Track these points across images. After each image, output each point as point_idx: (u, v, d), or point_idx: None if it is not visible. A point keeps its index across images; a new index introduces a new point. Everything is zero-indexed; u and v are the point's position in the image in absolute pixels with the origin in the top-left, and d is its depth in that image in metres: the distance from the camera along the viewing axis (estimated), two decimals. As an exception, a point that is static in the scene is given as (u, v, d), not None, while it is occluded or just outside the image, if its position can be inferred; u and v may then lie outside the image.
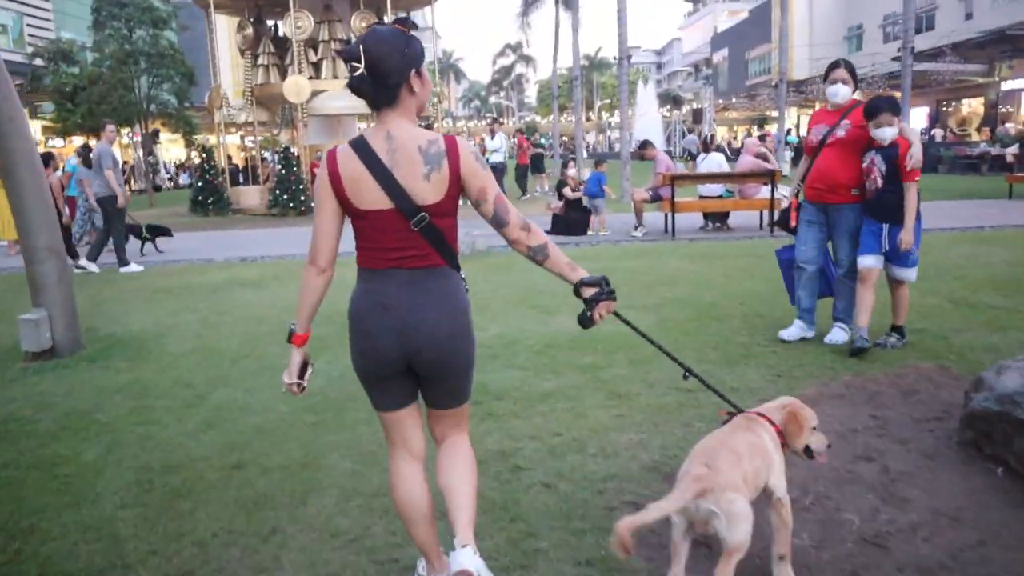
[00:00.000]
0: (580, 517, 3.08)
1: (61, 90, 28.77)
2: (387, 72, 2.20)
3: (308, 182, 20.09)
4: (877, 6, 42.78)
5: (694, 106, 55.67)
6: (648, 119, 37.94)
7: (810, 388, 4.48)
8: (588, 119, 63.62)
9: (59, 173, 12.06)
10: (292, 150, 20.28)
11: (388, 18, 20.89)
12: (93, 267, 10.97)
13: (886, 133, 4.85)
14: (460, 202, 2.36)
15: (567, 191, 12.73)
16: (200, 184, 21.11)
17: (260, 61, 21.52)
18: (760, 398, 4.12)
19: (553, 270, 2.38)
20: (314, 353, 5.80)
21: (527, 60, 74.15)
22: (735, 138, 52.18)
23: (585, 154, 30.25)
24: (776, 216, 5.89)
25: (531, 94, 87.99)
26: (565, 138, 49.76)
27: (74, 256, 11.21)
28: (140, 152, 32.18)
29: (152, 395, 4.95)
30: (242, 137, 37.83)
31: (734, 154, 26.31)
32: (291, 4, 19.25)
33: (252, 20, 21.66)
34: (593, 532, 2.94)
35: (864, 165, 5.05)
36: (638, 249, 10.64)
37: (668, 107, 59.25)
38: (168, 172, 41.83)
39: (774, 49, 50.95)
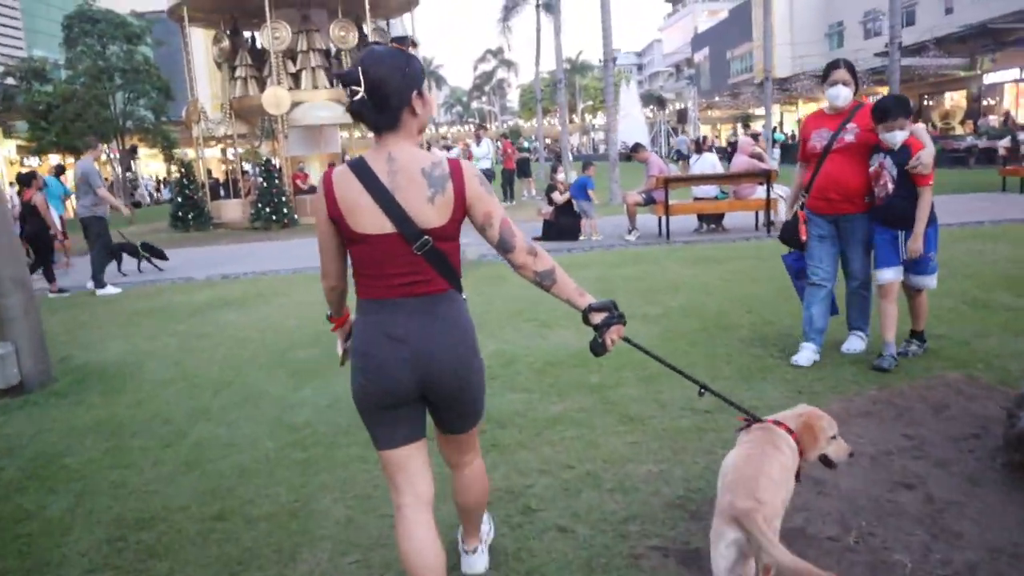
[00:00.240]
0: (603, 568, 2.76)
1: (34, 108, 28.23)
2: (388, 94, 2.14)
3: (290, 194, 19.72)
4: (857, 3, 42.85)
5: (677, 106, 55.53)
6: (632, 120, 37.75)
7: (835, 405, 4.17)
8: (572, 121, 63.42)
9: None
10: (273, 162, 19.88)
11: (368, 27, 20.56)
12: (110, 290, 10.56)
13: (897, 137, 4.53)
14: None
15: (556, 195, 12.43)
16: (180, 199, 20.68)
17: (238, 73, 21.14)
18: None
19: (560, 296, 2.33)
20: (301, 378, 5.54)
21: (508, 65, 73.82)
22: (718, 136, 52.11)
23: (571, 157, 29.95)
24: (779, 230, 5.36)
25: (513, 98, 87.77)
26: (549, 141, 49.53)
27: (51, 279, 10.84)
28: (119, 168, 31.63)
29: (127, 433, 4.60)
30: (223, 150, 37.38)
31: (720, 153, 26.06)
32: (268, 15, 18.89)
33: (228, 32, 21.28)
34: (619, 586, 2.63)
35: (871, 169, 4.71)
36: (633, 254, 10.34)
37: (651, 108, 59.11)
38: (147, 188, 41.28)
39: (756, 48, 51.09)
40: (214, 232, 19.73)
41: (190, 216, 20.32)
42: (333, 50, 21.14)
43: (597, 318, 2.31)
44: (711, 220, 12.35)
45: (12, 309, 5.64)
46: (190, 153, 29.92)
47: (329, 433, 4.32)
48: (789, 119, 49.38)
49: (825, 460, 2.68)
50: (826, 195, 4.87)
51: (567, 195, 12.31)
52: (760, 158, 11.76)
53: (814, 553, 2.76)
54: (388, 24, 23.39)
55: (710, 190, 11.95)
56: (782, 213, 11.52)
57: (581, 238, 12.11)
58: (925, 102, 36.95)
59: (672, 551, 2.84)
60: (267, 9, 18.71)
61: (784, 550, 2.18)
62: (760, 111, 47.48)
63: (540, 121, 36.28)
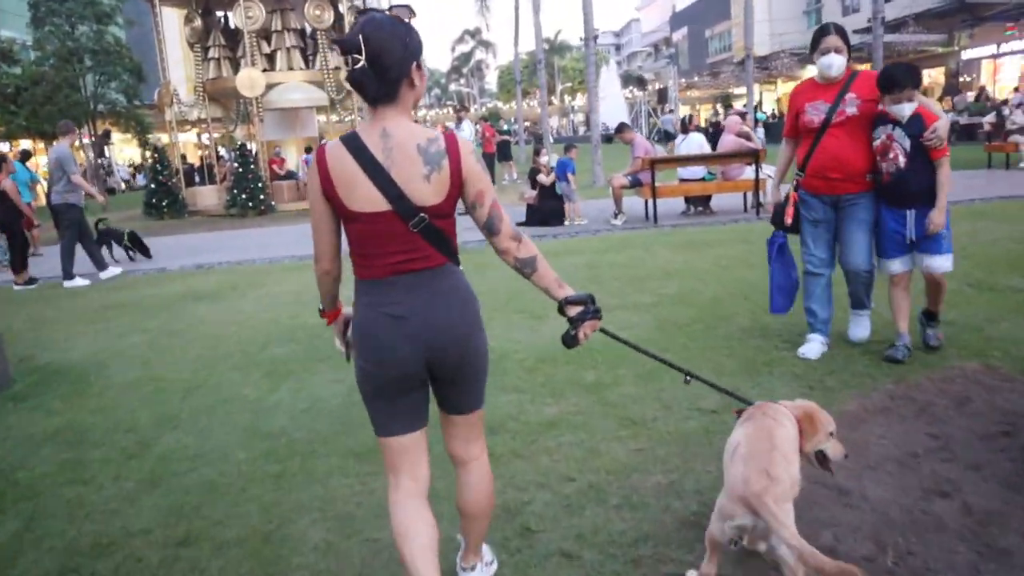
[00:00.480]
0: (615, 601, 2.47)
1: (3, 91, 27.44)
2: (389, 65, 2.06)
3: (267, 179, 19.24)
4: (836, -21, 42.60)
5: (657, 86, 55.16)
6: (612, 101, 37.42)
7: (850, 402, 3.90)
8: (551, 103, 62.92)
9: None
10: (249, 147, 19.36)
11: (344, 6, 20.04)
12: (111, 271, 10.26)
13: (906, 109, 4.17)
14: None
15: (540, 177, 12.09)
16: (153, 186, 20.15)
17: (211, 54, 20.59)
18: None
19: (539, 284, 2.33)
20: (276, 378, 5.19)
21: (486, 46, 73.14)
22: (696, 114, 51.79)
23: (551, 139, 29.60)
24: (771, 213, 4.92)
25: (491, 80, 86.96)
26: (528, 124, 49.08)
27: (17, 270, 10.38)
28: (91, 154, 30.88)
29: (87, 443, 4.25)
30: (199, 135, 36.62)
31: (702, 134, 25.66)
32: (240, -7, 18.34)
33: (200, 12, 20.66)
34: (635, 623, 2.34)
35: (877, 143, 4.31)
36: (621, 239, 10.03)
37: (631, 88, 58.71)
38: (121, 174, 40.42)
39: (735, 26, 50.74)
40: (189, 219, 19.24)
41: (164, 203, 19.82)
42: (309, 30, 20.60)
43: (573, 311, 2.31)
44: (699, 202, 12.07)
45: (-37, 309, 5.25)
46: (164, 138, 29.29)
47: (306, 441, 3.99)
48: (768, 98, 49.13)
49: (821, 458, 2.60)
50: (825, 174, 4.45)
51: (552, 176, 11.97)
52: (748, 137, 11.47)
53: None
54: (364, 3, 22.82)
55: (697, 171, 11.63)
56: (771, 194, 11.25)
57: (566, 222, 11.79)
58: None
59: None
60: (239, -13, 18.16)
61: (795, 534, 2.12)
62: (740, 90, 47.28)
63: (520, 103, 35.83)
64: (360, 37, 2.03)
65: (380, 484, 3.40)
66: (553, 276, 2.31)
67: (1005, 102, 19.26)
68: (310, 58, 20.54)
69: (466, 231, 2.31)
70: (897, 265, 4.45)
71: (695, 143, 12.00)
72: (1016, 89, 25.56)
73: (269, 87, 19.08)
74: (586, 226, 11.50)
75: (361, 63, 2.04)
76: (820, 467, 2.62)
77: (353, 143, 2.10)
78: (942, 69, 34.07)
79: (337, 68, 19.52)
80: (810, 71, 35.97)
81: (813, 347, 4.66)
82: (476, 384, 2.33)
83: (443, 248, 2.18)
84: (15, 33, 31.72)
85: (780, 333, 5.17)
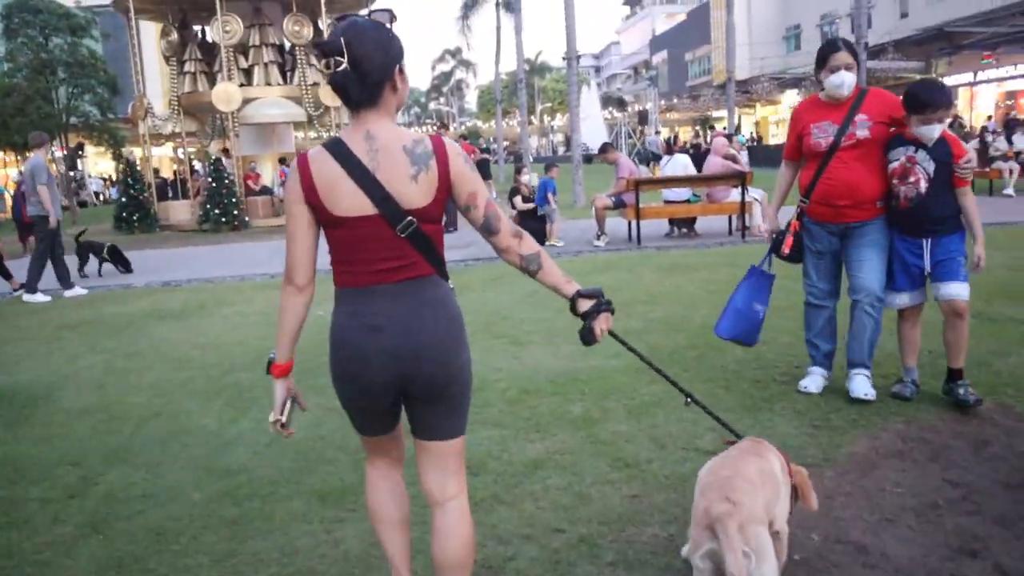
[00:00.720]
0: None
1: (-27, 102, 26.89)
2: (371, 68, 2.00)
3: (241, 195, 18.83)
4: (814, 6, 43.07)
5: (637, 108, 55.36)
6: (592, 121, 37.36)
7: (859, 443, 3.61)
8: (531, 123, 62.99)
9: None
10: (223, 161, 18.94)
11: (324, 22, 19.77)
12: (76, 291, 9.87)
13: (935, 131, 3.85)
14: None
15: (518, 200, 11.81)
16: (124, 200, 19.65)
17: (187, 68, 20.14)
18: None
19: (546, 282, 2.21)
20: (239, 407, 4.82)
21: (467, 65, 72.99)
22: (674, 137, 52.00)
23: (531, 158, 29.44)
24: (772, 243, 4.49)
25: (471, 100, 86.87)
26: (507, 143, 48.93)
27: (7, 277, 10.06)
28: (62, 167, 30.28)
29: (27, 479, 3.86)
30: (175, 149, 36.08)
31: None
32: (218, 7, 17.99)
33: (177, 25, 20.25)
34: None
35: (895, 165, 3.96)
36: (604, 260, 9.76)
37: (610, 110, 58.88)
38: (95, 186, 39.72)
39: (715, 50, 51.13)
40: (160, 234, 18.75)
41: (135, 217, 19.31)
42: (287, 45, 20.29)
43: (585, 305, 2.22)
44: (683, 224, 11.84)
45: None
46: (137, 152, 28.79)
47: (267, 480, 3.64)
48: (747, 121, 49.47)
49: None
50: (832, 201, 4.09)
51: (531, 203, 11.71)
52: (735, 160, 11.27)
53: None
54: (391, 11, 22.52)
55: (682, 193, 11.41)
56: (757, 217, 11.06)
57: (548, 243, 11.51)
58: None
59: (698, 654, 2.23)
60: (218, 1, 17.80)
61: (742, 564, 2.04)
62: (719, 113, 47.59)
63: (500, 122, 35.68)
64: (342, 40, 1.96)
65: (345, 532, 3.07)
66: (560, 272, 2.21)
67: (984, 129, 19.33)
68: (288, 74, 20.21)
69: (445, 249, 2.11)
70: (907, 299, 4.11)
71: (680, 164, 11.79)
72: (989, 117, 25.86)
73: (246, 102, 18.71)
74: (567, 247, 11.22)
75: (343, 66, 1.97)
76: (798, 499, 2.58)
77: (336, 147, 2.03)
78: (919, 96, 34.39)
79: (315, 84, 19.22)
80: (789, 96, 36.12)
81: (814, 380, 4.37)
82: (457, 407, 2.18)
83: (430, 257, 2.09)
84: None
85: (777, 364, 4.90)
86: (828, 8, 41.69)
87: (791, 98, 44.48)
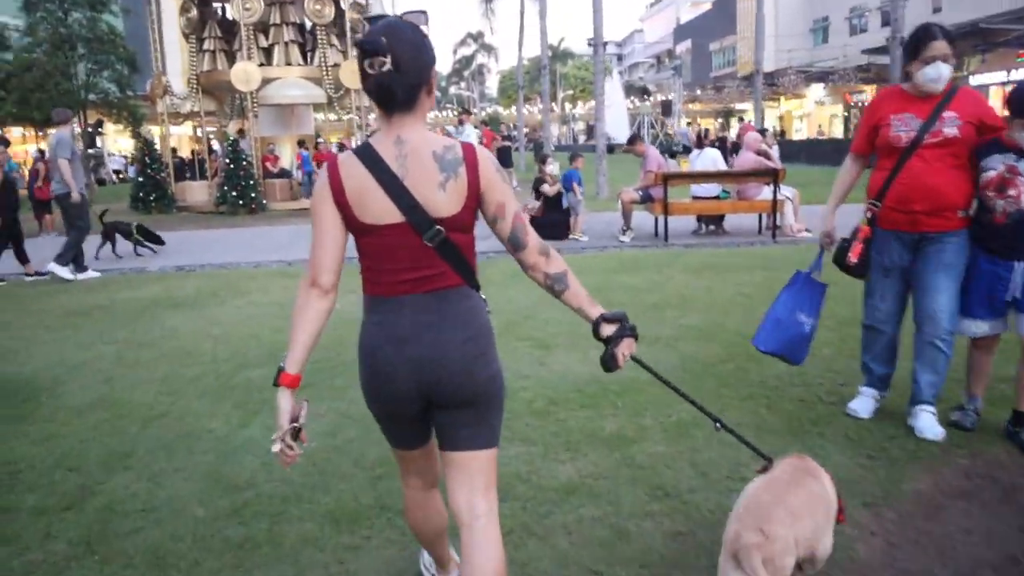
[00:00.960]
0: None
1: (-8, 76, 26.80)
2: (408, 71, 1.95)
3: (259, 176, 18.60)
4: (843, -1, 42.36)
5: (659, 97, 54.76)
6: (614, 111, 36.87)
7: (921, 478, 3.31)
8: (552, 111, 62.58)
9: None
10: (241, 143, 18.70)
11: (345, 2, 19.42)
12: (89, 274, 9.69)
13: None
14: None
15: (545, 187, 11.48)
16: (141, 179, 19.47)
17: (206, 46, 19.88)
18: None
19: (571, 303, 2.14)
20: (250, 409, 4.55)
21: (489, 50, 72.56)
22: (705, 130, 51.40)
23: (552, 147, 29.05)
24: (834, 252, 3.93)
25: (492, 85, 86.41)
26: (527, 130, 48.54)
27: (24, 260, 9.87)
28: (81, 144, 30.17)
29: (22, 486, 3.62)
30: (194, 128, 35.93)
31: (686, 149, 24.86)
32: (239, -18, 17.71)
33: (196, 2, 20.00)
34: None
35: (990, 175, 3.53)
36: (631, 258, 9.43)
37: (632, 99, 58.29)
38: (115, 164, 39.64)
39: (740, 40, 50.42)
40: (177, 215, 18.56)
41: (152, 197, 19.16)
42: (308, 25, 19.99)
43: (608, 330, 2.13)
44: (710, 221, 11.49)
45: None
46: (155, 130, 28.60)
47: (277, 497, 3.38)
48: (771, 115, 48.78)
49: None
50: (909, 205, 3.64)
51: (557, 186, 11.38)
52: (767, 155, 10.90)
53: None
54: (367, 2, 22.23)
55: (711, 188, 11.06)
56: (789, 216, 10.70)
57: (571, 236, 11.20)
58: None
59: None
60: (239, -23, 17.54)
61: None
62: (742, 105, 46.96)
63: (521, 109, 35.29)
64: (383, 39, 1.91)
65: (360, 565, 2.81)
66: (585, 293, 2.13)
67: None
68: (308, 54, 19.92)
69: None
70: (987, 327, 3.70)
71: (710, 159, 11.41)
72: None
73: (265, 82, 18.44)
74: (592, 242, 10.89)
75: (387, 66, 1.91)
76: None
77: (367, 153, 1.98)
78: (949, 93, 33.71)
79: (336, 65, 18.92)
80: (815, 90, 35.42)
81: (865, 403, 4.03)
82: (485, 416, 2.10)
83: (459, 267, 2.03)
84: (6, 18, 31.01)
85: (821, 381, 4.58)
86: (857, 1, 41.00)
87: (816, 92, 43.85)
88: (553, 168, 11.84)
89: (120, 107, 29.84)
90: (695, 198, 11.24)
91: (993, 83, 30.76)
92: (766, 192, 10.48)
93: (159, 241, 11.56)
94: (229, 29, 19.88)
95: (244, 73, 17.95)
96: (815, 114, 46.10)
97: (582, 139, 64.47)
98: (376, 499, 3.31)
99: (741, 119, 25.77)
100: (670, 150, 27.83)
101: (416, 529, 2.40)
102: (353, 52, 19.84)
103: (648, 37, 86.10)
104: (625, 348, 2.13)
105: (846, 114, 42.02)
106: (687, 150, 23.00)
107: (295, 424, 2.01)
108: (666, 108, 43.19)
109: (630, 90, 61.67)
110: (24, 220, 12.85)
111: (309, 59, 19.82)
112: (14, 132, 30.96)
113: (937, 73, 3.55)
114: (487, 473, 2.11)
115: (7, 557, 2.98)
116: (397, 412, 2.11)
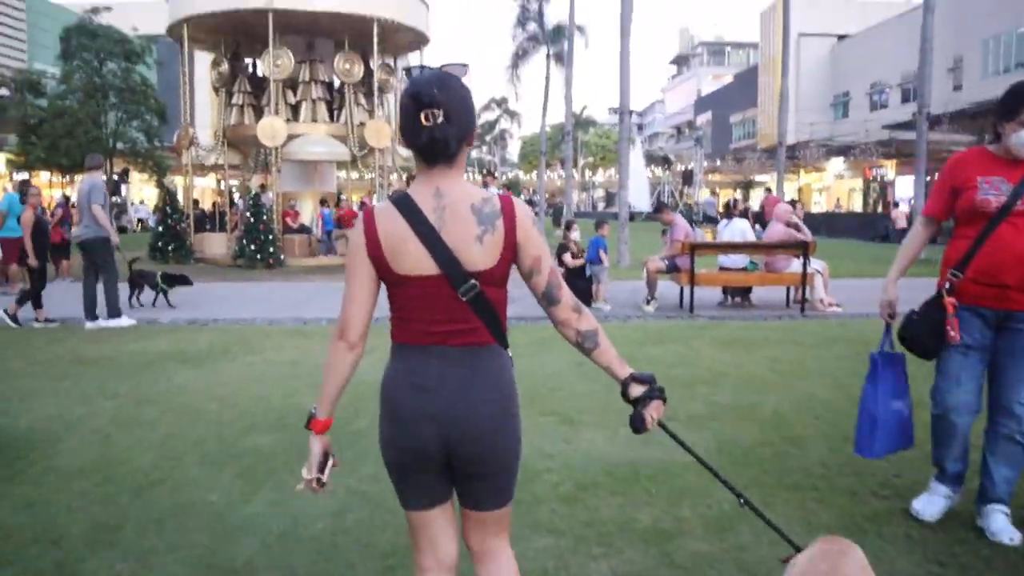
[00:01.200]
0: None
1: (26, 122, 27.19)
2: (460, 123, 1.94)
3: (279, 232, 18.52)
4: (863, 74, 42.82)
5: (679, 168, 55.05)
6: (635, 178, 36.98)
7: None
8: (572, 176, 62.92)
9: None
10: (262, 197, 18.69)
11: (375, 62, 19.63)
12: (121, 322, 9.57)
13: None
14: None
15: (567, 257, 11.24)
16: (161, 229, 19.46)
17: (235, 100, 20.10)
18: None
19: (600, 362, 2.11)
20: (253, 480, 4.15)
21: (512, 115, 73.49)
22: (717, 197, 51.44)
23: (572, 213, 29.02)
24: (903, 325, 3.57)
25: (513, 150, 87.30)
26: (548, 195, 48.75)
27: (36, 306, 9.68)
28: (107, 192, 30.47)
29: (-2, 558, 3.30)
30: (218, 180, 36.29)
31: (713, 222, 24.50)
32: (271, 41, 17.92)
33: (228, 56, 20.28)
34: None
35: None
36: (656, 329, 9.11)
37: (651, 168, 58.64)
38: (137, 214, 39.97)
39: (760, 114, 50.83)
40: (194, 266, 18.43)
41: (170, 247, 19.12)
42: (336, 83, 20.18)
43: (637, 391, 2.11)
44: (737, 293, 11.19)
45: None
46: (178, 180, 28.84)
47: (277, 586, 3.04)
48: (790, 187, 48.80)
49: None
50: (998, 278, 3.29)
51: (580, 260, 11.13)
52: (797, 227, 10.64)
53: None
54: (395, 61, 22.48)
55: (739, 260, 10.78)
56: (819, 290, 10.39)
57: (594, 305, 10.91)
58: (930, 178, 36.36)
59: None
60: (271, 34, 17.73)
61: None
62: (762, 177, 47.04)
63: (543, 174, 35.45)
64: (435, 91, 1.91)
65: (368, 678, 2.44)
66: (615, 353, 2.12)
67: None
68: (335, 112, 20.06)
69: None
70: None
71: (738, 230, 11.17)
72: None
73: (291, 137, 18.52)
74: (615, 312, 10.58)
75: (440, 118, 1.91)
76: None
77: (404, 203, 1.98)
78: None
79: (362, 124, 19.02)
80: (835, 163, 35.47)
81: (934, 503, 3.59)
82: (501, 484, 2.09)
83: (492, 324, 2.01)
84: (45, 65, 31.74)
85: (873, 472, 4.20)
86: (878, 77, 41.32)
87: (836, 166, 43.88)
88: (576, 235, 11.63)
89: (147, 157, 30.19)
90: (722, 269, 10.96)
91: (1017, 163, 30.62)
92: (795, 265, 10.20)
93: (187, 282, 11.55)
94: (259, 85, 20.10)
95: (271, 128, 18.04)
96: (834, 187, 46.11)
97: (601, 206, 64.76)
98: (386, 594, 2.96)
99: (768, 190, 25.55)
100: (690, 219, 27.72)
101: None
102: (380, 111, 20.03)
103: (669, 108, 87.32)
104: (654, 410, 2.10)
105: (865, 188, 41.99)
106: (710, 220, 22.78)
107: (324, 459, 2.09)
108: (687, 178, 43.33)
109: (650, 159, 62.11)
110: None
111: (336, 117, 19.95)
112: (42, 176, 31.31)
113: None
114: (503, 522, 2.14)
115: (-31, 647, 2.65)
116: (414, 464, 2.05)
